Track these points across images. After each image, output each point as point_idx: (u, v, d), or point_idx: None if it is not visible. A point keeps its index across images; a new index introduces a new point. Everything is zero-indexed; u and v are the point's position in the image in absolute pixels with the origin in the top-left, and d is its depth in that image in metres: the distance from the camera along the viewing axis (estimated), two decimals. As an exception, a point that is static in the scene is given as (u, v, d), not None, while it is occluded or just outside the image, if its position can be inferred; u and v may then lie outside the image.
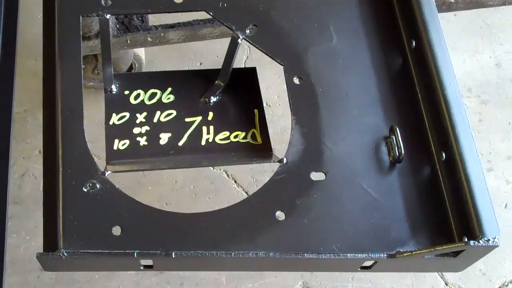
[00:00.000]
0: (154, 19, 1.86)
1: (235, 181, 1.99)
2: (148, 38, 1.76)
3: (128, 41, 1.75)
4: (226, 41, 1.25)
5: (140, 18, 1.76)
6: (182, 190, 1.96)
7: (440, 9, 1.83)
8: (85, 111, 1.11)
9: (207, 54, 2.13)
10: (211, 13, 1.21)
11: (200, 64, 2.12)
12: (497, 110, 2.19)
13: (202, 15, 1.43)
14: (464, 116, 1.10)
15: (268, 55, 1.19)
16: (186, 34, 1.77)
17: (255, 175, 1.97)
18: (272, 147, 1.21)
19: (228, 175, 1.99)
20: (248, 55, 2.15)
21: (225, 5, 1.22)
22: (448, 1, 1.88)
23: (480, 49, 2.31)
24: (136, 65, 1.95)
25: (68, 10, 1.18)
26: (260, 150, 1.19)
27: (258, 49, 1.19)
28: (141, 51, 1.96)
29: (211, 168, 2.00)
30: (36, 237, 1.84)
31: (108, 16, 1.17)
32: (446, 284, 1.84)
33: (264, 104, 1.27)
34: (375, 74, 1.19)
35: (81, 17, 1.17)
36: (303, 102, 1.16)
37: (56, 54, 1.14)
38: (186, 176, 1.98)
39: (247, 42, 1.21)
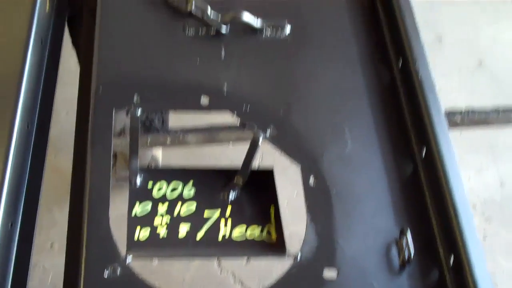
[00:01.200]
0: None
1: (241, 283, 2.00)
2: (168, 140, 1.84)
3: (148, 141, 1.83)
4: (240, 146, 1.31)
5: (161, 121, 1.85)
6: (189, 290, 1.98)
7: (447, 126, 1.91)
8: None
9: (221, 157, 2.21)
10: (234, 113, 1.29)
11: (215, 167, 2.18)
12: (501, 228, 2.23)
13: (223, 118, 1.51)
14: (471, 221, 1.15)
15: (286, 156, 1.26)
16: (204, 137, 1.85)
17: (262, 280, 1.99)
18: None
19: (235, 278, 2.01)
20: (260, 163, 2.22)
21: (248, 108, 1.30)
22: (454, 119, 1.97)
23: (484, 167, 2.38)
24: (153, 165, 2.02)
25: (103, 103, 1.27)
26: (275, 246, 1.23)
27: (277, 149, 1.26)
28: (158, 152, 2.04)
29: (218, 273, 2.02)
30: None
31: (139, 112, 1.26)
32: None
33: (274, 211, 1.32)
34: (387, 179, 1.25)
35: (114, 110, 1.26)
36: (318, 201, 1.21)
37: (88, 142, 1.22)
38: (194, 276, 2.00)
39: (261, 150, 1.28)
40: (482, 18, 3.14)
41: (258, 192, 1.29)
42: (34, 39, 1.32)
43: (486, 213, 2.25)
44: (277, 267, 1.16)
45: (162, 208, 1.24)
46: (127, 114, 1.28)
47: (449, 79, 2.75)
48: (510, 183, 2.32)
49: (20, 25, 1.33)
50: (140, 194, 1.26)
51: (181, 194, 1.27)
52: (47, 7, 1.41)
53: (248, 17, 1.40)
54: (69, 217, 1.18)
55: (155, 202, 1.25)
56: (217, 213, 1.25)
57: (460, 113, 1.98)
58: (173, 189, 1.27)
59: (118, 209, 1.25)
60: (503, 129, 2.37)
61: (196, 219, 1.24)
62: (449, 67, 2.84)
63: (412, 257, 1.14)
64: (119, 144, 1.87)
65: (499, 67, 2.88)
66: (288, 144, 1.27)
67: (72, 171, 1.24)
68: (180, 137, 1.85)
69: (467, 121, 1.98)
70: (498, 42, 3.03)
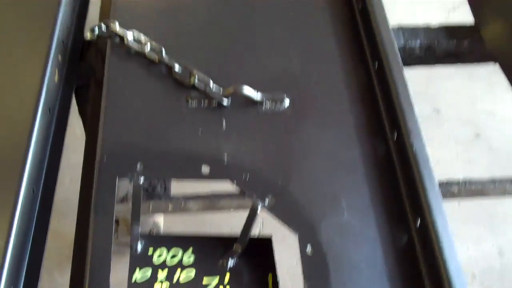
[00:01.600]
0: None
1: None
2: (169, 206, 1.87)
3: (150, 208, 1.86)
4: (241, 214, 1.35)
5: (163, 188, 1.89)
6: None
7: (444, 197, 1.94)
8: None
9: (223, 224, 2.23)
10: (234, 182, 1.33)
11: (215, 234, 2.21)
12: (501, 298, 2.23)
13: (223, 186, 1.55)
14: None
15: (284, 224, 1.29)
16: (205, 204, 1.89)
17: None
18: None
19: None
20: (260, 230, 2.24)
21: (247, 177, 1.34)
22: (451, 190, 2.00)
23: (483, 237, 2.40)
24: (154, 230, 2.04)
25: (106, 171, 1.32)
26: (272, 313, 1.25)
27: (275, 218, 1.29)
28: (160, 218, 2.07)
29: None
30: None
31: (141, 180, 1.30)
32: None
33: (274, 279, 1.34)
34: (382, 248, 1.27)
35: (117, 178, 1.30)
36: (315, 269, 1.23)
37: (91, 208, 1.26)
38: None
39: (261, 217, 1.31)
40: (478, 90, 3.21)
41: (256, 260, 1.32)
42: (42, 108, 1.37)
43: (486, 283, 2.25)
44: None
45: (162, 274, 1.27)
46: (130, 181, 1.32)
47: (447, 150, 2.80)
48: (509, 252, 2.34)
49: (29, 94, 1.39)
50: (140, 260, 1.29)
51: (180, 261, 1.29)
52: (56, 78, 1.48)
53: (248, 91, 1.46)
54: (70, 281, 1.20)
55: (155, 269, 1.27)
56: (215, 280, 1.27)
57: (458, 184, 2.01)
58: (173, 256, 1.30)
59: (119, 274, 1.27)
60: (501, 199, 2.40)
61: (195, 286, 1.26)
62: (447, 139, 2.90)
63: (408, 327, 1.16)
64: (122, 210, 1.90)
65: (496, 138, 2.94)
66: (286, 213, 1.30)
67: (75, 235, 1.28)
68: (181, 204, 1.89)
69: (464, 191, 2.01)
70: (494, 114, 3.09)
